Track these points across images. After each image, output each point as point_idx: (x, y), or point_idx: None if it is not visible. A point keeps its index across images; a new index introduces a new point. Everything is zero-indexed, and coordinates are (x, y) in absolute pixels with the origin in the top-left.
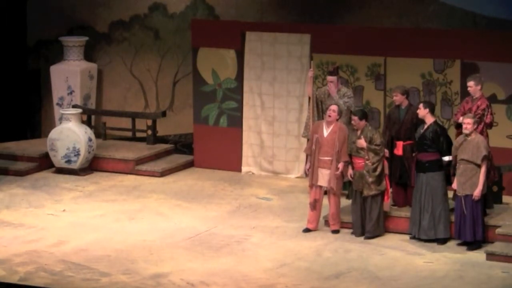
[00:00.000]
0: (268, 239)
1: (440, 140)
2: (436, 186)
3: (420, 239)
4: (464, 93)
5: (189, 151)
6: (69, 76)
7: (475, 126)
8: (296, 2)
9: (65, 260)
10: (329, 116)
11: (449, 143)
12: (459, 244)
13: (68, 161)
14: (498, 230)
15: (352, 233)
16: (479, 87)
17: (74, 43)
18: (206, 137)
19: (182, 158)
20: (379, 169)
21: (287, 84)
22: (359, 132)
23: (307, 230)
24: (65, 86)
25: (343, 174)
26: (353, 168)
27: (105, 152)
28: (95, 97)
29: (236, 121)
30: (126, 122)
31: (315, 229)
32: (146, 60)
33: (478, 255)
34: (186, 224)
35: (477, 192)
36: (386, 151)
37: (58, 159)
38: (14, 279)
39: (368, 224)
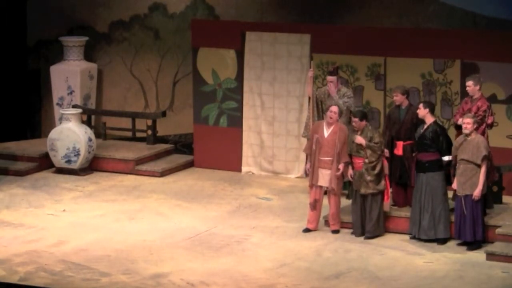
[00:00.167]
0: (268, 239)
1: (440, 140)
2: (436, 186)
3: (420, 239)
4: (464, 93)
5: (189, 151)
6: (69, 76)
7: (475, 126)
8: (296, 2)
9: (65, 260)
10: (330, 118)
11: (449, 143)
12: (459, 244)
13: (68, 161)
14: (498, 230)
15: (352, 233)
16: (477, 87)
17: (74, 43)
18: (206, 137)
19: (182, 158)
20: (378, 168)
21: (287, 84)
22: (359, 133)
23: (307, 230)
24: (65, 86)
25: (343, 174)
26: (353, 168)
27: (105, 152)
28: (95, 97)
29: (236, 121)
30: (126, 122)
31: (315, 229)
32: (146, 60)
33: (478, 255)
34: (186, 224)
35: (477, 192)
36: (386, 151)
37: (58, 159)
38: (14, 279)
39: (368, 224)
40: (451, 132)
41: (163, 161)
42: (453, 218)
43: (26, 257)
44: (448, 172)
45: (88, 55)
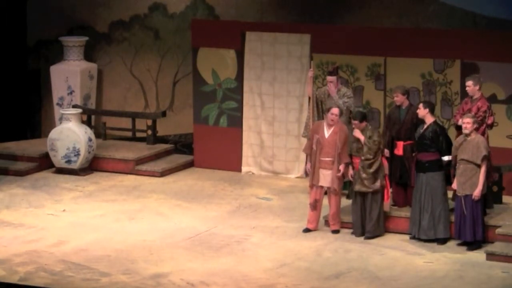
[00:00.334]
0: (268, 239)
1: (440, 140)
2: (436, 186)
3: (420, 239)
4: (464, 93)
5: (189, 151)
6: (69, 76)
7: (475, 126)
8: (296, 2)
9: (65, 260)
10: (332, 120)
11: (449, 143)
12: (459, 244)
13: (68, 161)
14: (498, 230)
15: (352, 233)
16: (477, 87)
17: (74, 43)
18: (206, 137)
19: (182, 158)
20: (374, 167)
21: (287, 84)
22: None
23: (307, 230)
24: (65, 86)
25: (343, 174)
26: (353, 168)
27: (105, 152)
28: (95, 97)
29: (236, 121)
30: (126, 122)
31: (315, 229)
32: (146, 60)
33: (478, 255)
34: (186, 224)
35: (477, 192)
36: (387, 151)
37: (58, 159)
38: (14, 279)
39: (368, 224)
40: (451, 132)
41: (163, 161)
42: (453, 218)
43: (26, 257)
44: (448, 172)
45: (88, 55)
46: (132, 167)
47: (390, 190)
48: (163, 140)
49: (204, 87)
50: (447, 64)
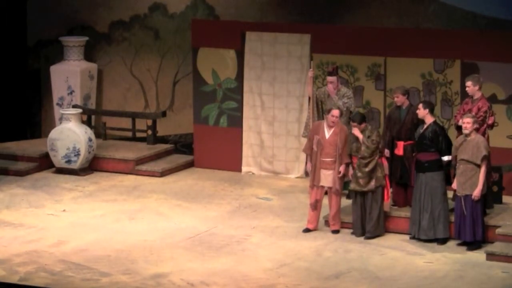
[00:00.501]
0: (268, 239)
1: (439, 140)
2: (436, 186)
3: (420, 239)
4: (464, 93)
5: (189, 151)
6: (69, 76)
7: (475, 126)
8: (296, 2)
9: (65, 260)
10: (332, 122)
11: (448, 143)
12: (459, 244)
13: (68, 161)
14: (498, 230)
15: (352, 233)
16: (477, 87)
17: (74, 43)
18: (206, 137)
19: (182, 158)
20: (370, 166)
21: (287, 84)
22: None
23: (307, 230)
24: (65, 86)
25: (344, 174)
26: (353, 168)
27: (105, 152)
28: (95, 97)
29: (236, 121)
30: (126, 122)
31: (315, 229)
32: (146, 60)
33: (478, 255)
34: (186, 224)
35: (476, 192)
36: (387, 151)
37: (58, 159)
38: (14, 279)
39: (368, 224)
40: (452, 133)
41: (163, 161)
42: (453, 218)
43: (26, 257)
44: (447, 172)
45: (88, 55)
46: (132, 167)
47: (390, 190)
48: (163, 140)
49: (204, 87)
50: (447, 64)
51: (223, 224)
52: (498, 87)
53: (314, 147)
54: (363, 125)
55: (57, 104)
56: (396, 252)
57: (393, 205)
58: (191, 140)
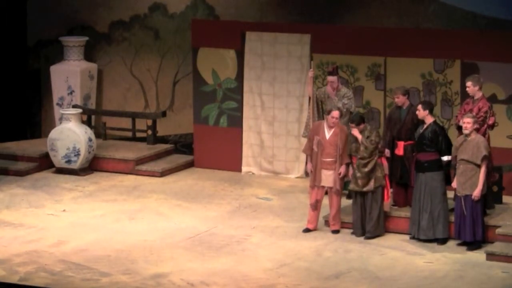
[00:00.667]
0: (268, 239)
1: (439, 140)
2: (435, 186)
3: (419, 239)
4: (464, 93)
5: (189, 151)
6: (69, 76)
7: (475, 126)
8: (296, 2)
9: (65, 260)
10: (332, 123)
11: (448, 143)
12: (459, 244)
13: (68, 161)
14: (498, 230)
15: (352, 233)
16: (477, 88)
17: (74, 43)
18: (206, 137)
19: (182, 158)
20: (369, 167)
21: (287, 84)
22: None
23: (307, 230)
24: (65, 86)
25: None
26: (353, 168)
27: (105, 152)
28: (95, 97)
29: (236, 121)
30: (126, 122)
31: (315, 229)
32: (146, 60)
33: (478, 255)
34: (186, 224)
35: (476, 192)
36: (387, 151)
37: (58, 159)
38: (14, 279)
39: (368, 224)
40: (452, 133)
41: (163, 161)
42: (453, 218)
43: (26, 257)
44: (447, 172)
45: (88, 55)
46: (132, 167)
47: (390, 190)
48: (163, 140)
49: (204, 87)
50: (447, 64)
51: (223, 224)
52: (498, 87)
53: (315, 147)
54: (361, 126)
55: (57, 104)
56: (396, 252)
57: (393, 205)
58: (191, 140)
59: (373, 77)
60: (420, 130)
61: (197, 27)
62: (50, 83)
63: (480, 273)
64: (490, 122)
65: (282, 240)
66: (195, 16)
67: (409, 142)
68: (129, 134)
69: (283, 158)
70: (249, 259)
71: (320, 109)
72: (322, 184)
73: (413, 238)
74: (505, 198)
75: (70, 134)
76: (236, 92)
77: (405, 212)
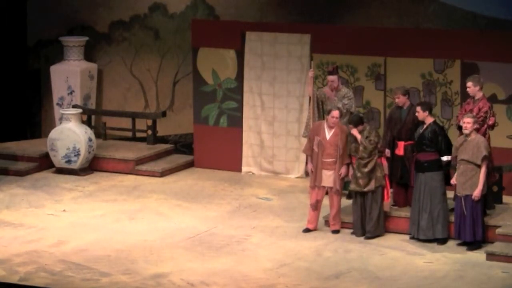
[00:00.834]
0: (268, 239)
1: (439, 140)
2: (435, 186)
3: (419, 239)
4: (464, 93)
5: (189, 151)
6: (69, 76)
7: (475, 126)
8: (296, 2)
9: (65, 260)
10: (332, 123)
11: (448, 143)
12: (459, 244)
13: (68, 161)
14: (498, 230)
15: (353, 233)
16: (477, 88)
17: (74, 43)
18: (206, 137)
19: (182, 158)
20: (369, 167)
21: (287, 84)
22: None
23: (307, 230)
24: (65, 86)
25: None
26: (353, 169)
27: (105, 152)
28: (95, 97)
29: (236, 121)
30: (126, 122)
31: (315, 229)
32: (146, 60)
33: (478, 255)
34: (186, 224)
35: (477, 192)
36: (388, 151)
37: (58, 159)
38: (14, 279)
39: (368, 224)
40: (452, 133)
41: (163, 161)
42: (452, 218)
43: (26, 257)
44: (447, 172)
45: (88, 55)
46: (132, 167)
47: (390, 190)
48: (163, 140)
49: (204, 87)
50: (447, 64)
51: (223, 224)
52: (498, 87)
53: (315, 148)
54: (360, 127)
55: (57, 104)
56: (396, 252)
57: (393, 205)
58: (191, 140)
59: (373, 77)
60: (420, 130)
61: (197, 27)
62: (50, 83)
63: (480, 273)
64: (490, 122)
65: (282, 240)
66: (195, 16)
67: (410, 142)
68: (129, 134)
69: (283, 158)
70: (249, 259)
71: (321, 109)
72: (323, 184)
73: (413, 238)
74: (505, 198)
75: (70, 134)
76: (236, 92)
77: (405, 212)
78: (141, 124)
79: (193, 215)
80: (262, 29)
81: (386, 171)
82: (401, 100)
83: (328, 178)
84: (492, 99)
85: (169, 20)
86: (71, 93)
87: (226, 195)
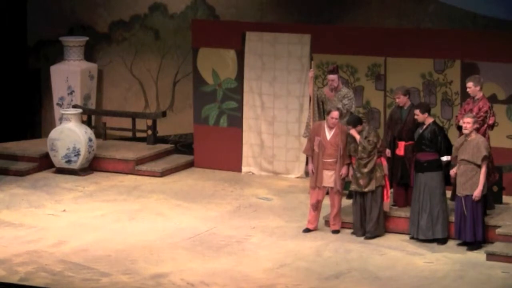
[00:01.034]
0: (268, 239)
1: (438, 140)
2: (435, 186)
3: (419, 239)
4: (464, 93)
5: (189, 151)
6: (69, 76)
7: (475, 126)
8: (296, 2)
9: (65, 260)
10: (332, 123)
11: (447, 143)
12: (459, 244)
13: (68, 161)
14: (498, 230)
15: (353, 233)
16: (478, 88)
17: (74, 43)
18: (206, 137)
19: (182, 158)
20: (369, 167)
21: (287, 84)
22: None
23: (307, 230)
24: (65, 86)
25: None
26: (353, 169)
27: (105, 152)
28: (95, 97)
29: (236, 121)
30: (126, 122)
31: (315, 229)
32: (146, 60)
33: (478, 255)
34: (186, 224)
35: (477, 193)
36: (388, 151)
37: (58, 159)
38: (14, 279)
39: (368, 224)
40: (452, 133)
41: (163, 161)
42: (452, 218)
43: (26, 257)
44: (447, 172)
45: (88, 55)
46: (132, 167)
47: (390, 190)
48: (163, 140)
49: (204, 87)
50: (447, 64)
51: (223, 224)
52: (498, 87)
53: (316, 148)
54: (359, 128)
55: (57, 104)
56: (396, 252)
57: (393, 205)
58: (191, 140)
59: (373, 77)
60: (420, 130)
61: (197, 27)
62: (50, 83)
63: (480, 273)
64: (490, 122)
65: (282, 240)
66: (195, 16)
67: (410, 142)
68: (129, 134)
69: (283, 158)
70: (249, 259)
71: (321, 109)
72: (324, 184)
73: (412, 238)
74: (505, 198)
75: (70, 134)
76: (236, 92)
77: (405, 212)
78: (141, 124)
79: (193, 215)
80: (262, 29)
81: (386, 171)
82: (401, 100)
83: (329, 178)
84: (492, 99)
85: (169, 20)
86: (71, 93)
87: (226, 195)
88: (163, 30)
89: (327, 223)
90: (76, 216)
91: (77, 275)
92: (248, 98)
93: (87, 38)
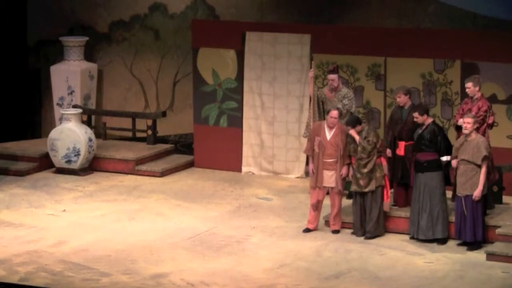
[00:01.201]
0: (268, 239)
1: (438, 140)
2: (435, 186)
3: (419, 239)
4: (464, 93)
5: (189, 151)
6: (69, 76)
7: (475, 126)
8: (296, 2)
9: (65, 260)
10: (332, 123)
11: (447, 143)
12: (459, 244)
13: (68, 161)
14: (498, 230)
15: (353, 233)
16: (477, 88)
17: (74, 43)
18: (206, 137)
19: (182, 158)
20: (368, 167)
21: (287, 84)
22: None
23: (307, 230)
24: (65, 86)
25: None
26: (353, 169)
27: (105, 152)
28: (95, 97)
29: (236, 121)
30: (126, 122)
31: (315, 229)
32: (146, 60)
33: (478, 255)
34: (186, 224)
35: (477, 193)
36: (389, 151)
37: (58, 159)
38: (14, 279)
39: (368, 224)
40: (452, 133)
41: (163, 161)
42: (452, 218)
43: (26, 257)
44: (447, 172)
45: (88, 55)
46: (132, 167)
47: (391, 190)
48: (163, 140)
49: (204, 87)
50: (447, 64)
51: (223, 224)
52: (498, 87)
53: (316, 148)
54: (358, 128)
55: (57, 104)
56: (396, 252)
57: (393, 205)
58: (191, 140)
59: (373, 77)
60: (419, 131)
61: (197, 27)
62: (50, 83)
63: (480, 273)
64: (490, 121)
65: (282, 240)
66: (195, 16)
67: (410, 142)
68: (129, 134)
69: (283, 158)
70: (249, 259)
71: (321, 109)
72: (324, 184)
73: (412, 238)
74: (505, 198)
75: (70, 134)
76: (236, 92)
77: (405, 212)
78: (141, 124)
79: (193, 215)
80: (262, 29)
81: (386, 171)
82: (402, 99)
83: (329, 178)
84: (492, 99)
85: (169, 20)
86: (71, 93)
87: (226, 195)
88: (163, 30)
89: (327, 223)
90: (76, 216)
91: (77, 275)
92: (248, 98)
93: (87, 38)
